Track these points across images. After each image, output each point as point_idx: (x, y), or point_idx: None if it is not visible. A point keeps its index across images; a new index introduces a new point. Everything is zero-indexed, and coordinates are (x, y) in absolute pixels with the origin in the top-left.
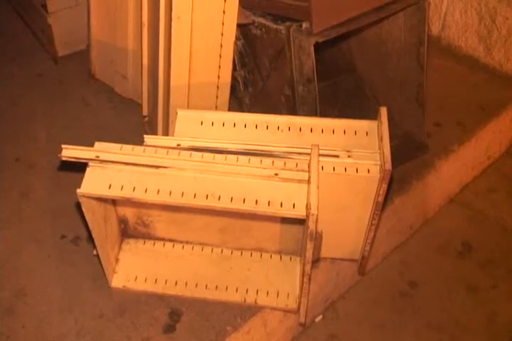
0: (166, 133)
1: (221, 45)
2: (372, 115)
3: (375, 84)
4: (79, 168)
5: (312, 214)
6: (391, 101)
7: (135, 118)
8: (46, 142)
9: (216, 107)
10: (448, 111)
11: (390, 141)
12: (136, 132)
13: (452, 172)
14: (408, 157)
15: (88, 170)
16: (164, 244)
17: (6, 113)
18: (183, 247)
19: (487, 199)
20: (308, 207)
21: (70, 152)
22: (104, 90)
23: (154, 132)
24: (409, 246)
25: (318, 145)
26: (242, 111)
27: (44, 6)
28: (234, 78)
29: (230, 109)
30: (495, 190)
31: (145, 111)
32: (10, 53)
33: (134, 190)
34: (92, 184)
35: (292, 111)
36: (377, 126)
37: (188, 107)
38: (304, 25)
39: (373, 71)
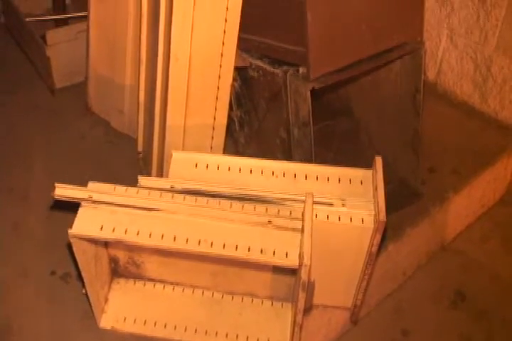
0: (160, 171)
1: (218, 88)
2: (367, 159)
3: (371, 127)
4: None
5: (305, 265)
6: (386, 146)
7: (130, 153)
8: (40, 174)
9: (211, 148)
10: (443, 157)
11: (385, 186)
12: (130, 167)
13: (446, 219)
14: (402, 204)
15: (80, 210)
16: (155, 285)
17: (1, 143)
18: (173, 289)
19: (481, 247)
20: (301, 257)
21: (63, 191)
22: (100, 124)
23: (148, 169)
24: (402, 293)
25: (312, 194)
26: (237, 150)
27: (43, 37)
28: (230, 118)
29: (225, 148)
30: (489, 238)
31: (140, 147)
32: (7, 82)
33: (125, 232)
34: (84, 224)
35: (287, 153)
36: (372, 175)
37: (183, 147)
38: (301, 70)
39: (370, 115)
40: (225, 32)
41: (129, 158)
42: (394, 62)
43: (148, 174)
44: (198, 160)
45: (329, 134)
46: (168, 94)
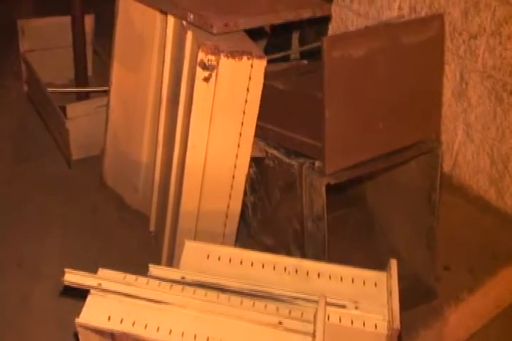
0: (171, 254)
1: (233, 177)
2: (380, 250)
3: (385, 219)
4: None
5: None
6: (400, 240)
7: (142, 231)
8: (52, 248)
9: (224, 235)
10: (458, 254)
11: (398, 283)
12: (141, 245)
13: (460, 320)
14: (416, 302)
15: (89, 297)
16: None
17: (14, 213)
18: None
19: None
20: None
21: (73, 277)
22: (113, 198)
23: (160, 250)
24: None
25: (325, 298)
26: (249, 234)
27: (64, 108)
28: (243, 202)
29: (237, 231)
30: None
31: (152, 227)
32: (25, 151)
33: (133, 324)
34: (92, 314)
35: (300, 245)
36: (387, 278)
37: (196, 233)
38: (317, 163)
39: (384, 207)
40: (242, 124)
41: (140, 236)
42: (410, 160)
43: (159, 255)
44: (210, 251)
45: (342, 223)
46: (183, 179)
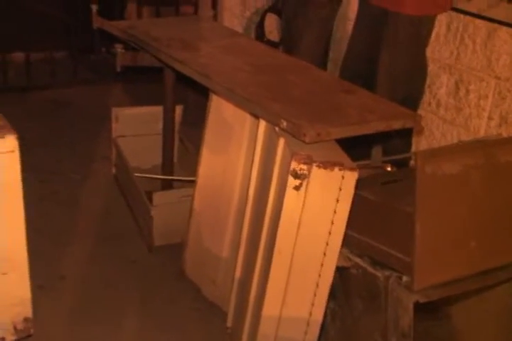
0: None
1: (317, 285)
2: None
3: (472, 339)
4: None
5: None
6: None
7: (217, 325)
8: (126, 334)
9: None
10: None
11: None
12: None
13: None
14: None
15: None
16: None
17: (92, 295)
18: None
19: None
20: None
21: None
22: (190, 289)
23: None
24: None
25: None
26: None
27: (149, 193)
28: None
29: None
30: None
31: (229, 323)
32: (108, 233)
33: None
34: None
35: None
36: None
37: (275, 338)
38: (405, 278)
39: (471, 326)
40: (330, 233)
41: (215, 330)
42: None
43: None
44: None
45: (424, 337)
46: (267, 284)
